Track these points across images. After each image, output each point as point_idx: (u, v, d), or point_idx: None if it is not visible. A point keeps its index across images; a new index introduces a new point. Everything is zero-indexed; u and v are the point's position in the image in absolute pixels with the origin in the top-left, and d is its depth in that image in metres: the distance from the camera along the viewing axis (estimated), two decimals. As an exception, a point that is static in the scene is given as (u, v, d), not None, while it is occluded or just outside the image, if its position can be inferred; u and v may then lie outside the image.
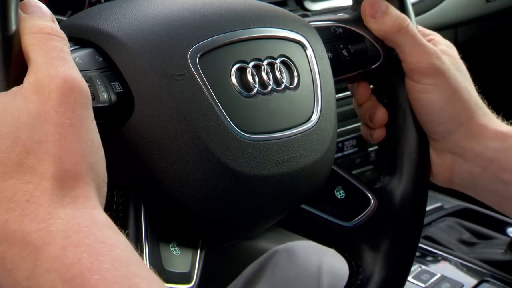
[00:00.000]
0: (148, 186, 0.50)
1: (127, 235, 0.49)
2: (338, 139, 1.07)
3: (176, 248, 0.52)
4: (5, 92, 0.39)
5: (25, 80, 0.40)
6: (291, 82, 0.55)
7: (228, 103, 0.51)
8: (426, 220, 1.07)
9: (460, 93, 0.62)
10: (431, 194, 1.18)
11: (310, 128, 0.55)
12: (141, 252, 0.50)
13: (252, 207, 0.54)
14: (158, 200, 0.51)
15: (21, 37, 0.42)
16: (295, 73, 0.55)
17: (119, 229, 0.49)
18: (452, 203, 1.14)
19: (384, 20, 0.62)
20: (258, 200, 0.54)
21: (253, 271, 0.78)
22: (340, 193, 0.62)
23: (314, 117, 0.56)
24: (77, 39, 0.50)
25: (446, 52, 0.64)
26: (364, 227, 0.62)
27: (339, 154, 1.08)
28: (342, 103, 1.05)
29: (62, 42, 0.42)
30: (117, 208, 0.51)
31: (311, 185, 0.58)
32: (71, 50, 0.47)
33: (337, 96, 1.02)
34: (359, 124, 1.10)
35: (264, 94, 0.53)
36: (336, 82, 0.60)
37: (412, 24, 0.63)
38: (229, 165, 0.50)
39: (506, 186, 0.62)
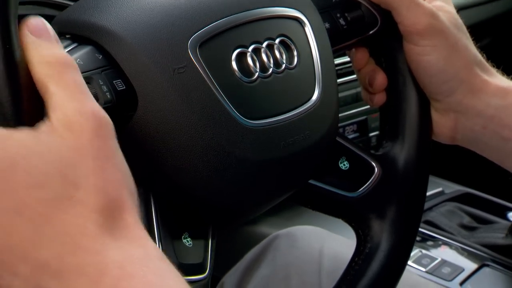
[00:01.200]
0: (156, 180, 0.50)
1: None
2: (340, 124, 1.07)
3: (188, 239, 0.52)
4: (36, 131, 0.39)
5: (52, 116, 0.39)
6: (291, 62, 0.55)
7: (230, 91, 0.51)
8: (427, 205, 1.07)
9: (459, 51, 0.62)
10: (432, 179, 1.18)
11: (312, 107, 0.55)
12: None
13: (261, 191, 0.54)
14: (167, 192, 0.51)
15: (32, 65, 0.40)
16: (295, 53, 0.55)
17: None
18: (453, 188, 1.15)
19: None
20: (266, 184, 0.54)
21: (254, 256, 0.78)
22: (344, 164, 0.62)
23: (316, 95, 0.56)
24: (75, 36, 0.49)
25: (442, 8, 0.63)
26: (369, 196, 0.62)
27: (340, 140, 1.08)
28: (343, 88, 1.05)
29: (77, 72, 0.41)
30: None
31: (317, 162, 0.58)
32: (70, 49, 0.48)
33: (339, 80, 1.03)
34: (360, 109, 1.11)
35: (265, 77, 0.53)
36: (334, 52, 0.59)
37: None
38: (235, 153, 0.50)
39: (506, 143, 0.63)
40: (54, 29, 0.50)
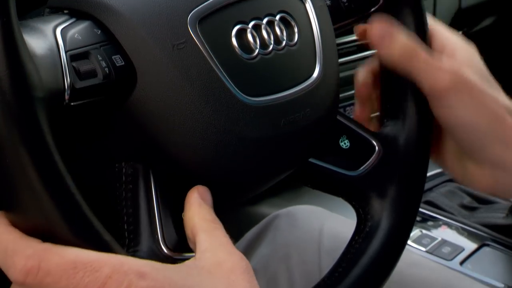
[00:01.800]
0: (156, 157, 0.50)
1: (139, 207, 0.50)
2: (340, 105, 1.07)
3: None
4: (186, 266, 0.44)
5: (201, 256, 0.44)
6: (291, 39, 0.54)
7: (230, 68, 0.50)
8: (427, 185, 1.07)
9: (487, 104, 0.59)
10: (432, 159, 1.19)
11: (313, 84, 0.55)
12: (154, 223, 0.50)
13: (261, 168, 0.54)
14: (166, 169, 0.51)
15: (194, 220, 0.47)
16: (295, 29, 0.55)
17: (129, 202, 0.50)
18: (454, 169, 1.14)
19: (393, 48, 0.59)
20: (266, 161, 0.54)
21: (254, 235, 0.78)
22: (345, 143, 0.62)
23: (317, 72, 0.55)
24: (73, 10, 0.49)
25: (465, 61, 0.61)
26: (370, 174, 0.61)
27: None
28: (344, 67, 1.04)
29: (223, 231, 0.47)
30: (126, 180, 0.51)
31: (318, 140, 0.58)
32: (68, 24, 0.47)
33: (339, 61, 1.02)
34: (361, 89, 1.10)
35: (265, 54, 0.52)
36: (335, 30, 0.59)
37: (422, 48, 0.60)
38: (235, 130, 0.50)
39: None
40: (52, 3, 0.50)
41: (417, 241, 0.93)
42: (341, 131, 0.62)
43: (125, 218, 0.50)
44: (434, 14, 1.17)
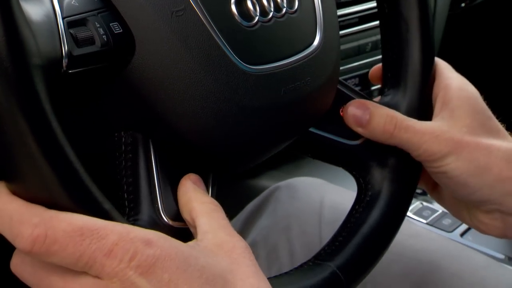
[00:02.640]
0: (155, 126, 0.50)
1: (138, 177, 0.49)
2: (341, 77, 1.06)
3: None
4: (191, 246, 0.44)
5: (203, 238, 0.45)
6: (291, 6, 0.54)
7: (230, 35, 0.50)
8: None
9: (487, 157, 0.57)
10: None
11: (313, 52, 0.54)
12: (154, 192, 0.49)
13: (261, 137, 0.54)
14: (166, 138, 0.50)
15: (192, 202, 0.48)
16: None
17: (129, 171, 0.50)
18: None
19: (372, 127, 0.58)
20: (266, 130, 0.53)
21: (255, 207, 0.78)
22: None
23: (317, 40, 0.55)
24: None
25: (463, 113, 0.58)
26: (370, 144, 0.61)
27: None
28: (345, 40, 1.04)
29: (223, 213, 0.48)
30: (126, 149, 0.50)
31: (319, 109, 0.58)
32: None
33: (340, 33, 1.01)
34: (362, 62, 1.10)
35: (265, 22, 0.52)
36: None
37: (403, 116, 0.58)
38: (235, 99, 0.50)
39: None
40: None
41: (418, 213, 0.93)
42: (342, 100, 0.61)
43: (125, 187, 0.50)
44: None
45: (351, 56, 1.07)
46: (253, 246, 0.75)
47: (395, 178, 0.61)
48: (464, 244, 0.84)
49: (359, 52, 1.07)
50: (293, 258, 0.71)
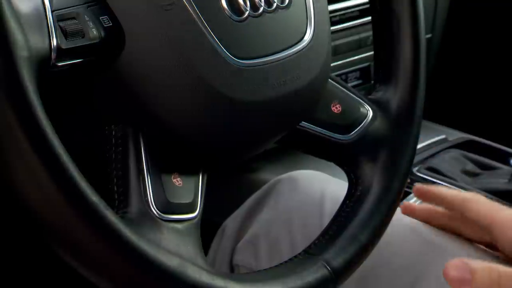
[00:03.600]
0: (145, 120, 0.50)
1: (128, 170, 0.49)
2: (342, 71, 1.06)
3: (178, 179, 0.51)
4: None
5: None
6: (283, 1, 0.54)
7: (220, 29, 0.50)
8: (430, 152, 1.07)
9: None
10: (435, 126, 1.18)
11: (304, 48, 0.55)
12: (144, 185, 0.49)
13: (251, 131, 0.54)
14: (156, 132, 0.50)
15: None
16: None
17: (119, 164, 0.49)
18: (456, 135, 1.14)
19: (477, 285, 0.56)
20: (257, 125, 0.54)
21: (256, 200, 0.78)
22: (336, 108, 0.62)
23: (308, 36, 0.55)
24: None
25: None
26: (361, 139, 0.62)
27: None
28: (346, 33, 1.03)
29: None
30: (116, 143, 0.50)
31: (309, 104, 0.58)
32: None
33: (341, 26, 1.01)
34: (363, 55, 1.09)
35: (255, 16, 0.52)
36: None
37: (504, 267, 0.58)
38: (225, 93, 0.50)
39: None
40: None
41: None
42: (333, 95, 0.62)
43: (115, 180, 0.50)
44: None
45: (352, 50, 1.06)
46: (255, 239, 0.75)
47: (385, 174, 0.62)
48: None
49: (360, 46, 1.06)
50: (295, 251, 0.71)
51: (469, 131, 1.16)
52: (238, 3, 0.51)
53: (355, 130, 0.62)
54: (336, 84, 0.62)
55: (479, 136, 1.13)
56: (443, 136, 1.13)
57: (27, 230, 0.44)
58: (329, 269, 0.56)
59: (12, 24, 0.41)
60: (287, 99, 0.54)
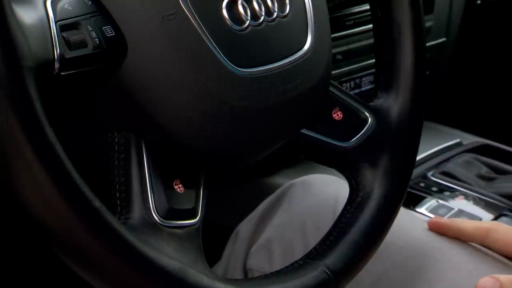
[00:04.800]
0: (147, 127, 0.51)
1: (131, 176, 0.50)
2: (355, 75, 1.06)
3: (180, 185, 0.52)
4: None
5: None
6: (283, 10, 0.55)
7: (221, 39, 0.51)
8: (444, 156, 1.06)
9: None
10: (450, 130, 1.18)
11: (304, 55, 0.55)
12: (145, 192, 0.50)
13: (252, 139, 0.55)
14: (158, 139, 0.51)
15: None
16: (287, 1, 0.55)
17: (122, 171, 0.49)
18: (471, 140, 1.13)
19: None
20: (257, 132, 0.54)
21: (269, 204, 0.78)
22: (337, 115, 0.62)
23: (308, 43, 0.56)
24: None
25: None
26: (362, 145, 0.62)
27: (357, 91, 1.06)
28: (359, 38, 1.03)
29: None
30: (119, 149, 0.51)
31: (310, 111, 0.58)
32: None
33: (353, 31, 1.01)
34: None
35: (256, 26, 0.53)
36: (330, 2, 0.59)
37: None
38: (226, 101, 0.51)
39: None
40: None
41: (434, 211, 0.92)
42: (334, 102, 0.62)
43: (118, 186, 0.50)
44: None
45: (365, 54, 1.06)
46: (269, 243, 0.75)
47: (386, 180, 0.62)
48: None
49: (373, 50, 1.06)
50: (308, 255, 0.71)
51: (484, 135, 1.15)
52: (239, 13, 0.52)
53: (356, 137, 0.62)
54: (337, 91, 0.62)
55: (494, 140, 1.13)
56: (457, 140, 1.12)
57: (30, 233, 0.44)
58: (329, 274, 0.57)
59: (17, 35, 0.41)
60: (288, 107, 0.55)
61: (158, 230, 0.49)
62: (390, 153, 0.62)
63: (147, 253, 0.45)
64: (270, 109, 0.53)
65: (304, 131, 0.60)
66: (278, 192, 0.78)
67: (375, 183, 0.62)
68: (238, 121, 0.52)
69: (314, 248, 0.60)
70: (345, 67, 1.01)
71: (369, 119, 0.63)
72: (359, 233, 0.60)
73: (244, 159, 0.58)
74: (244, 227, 0.79)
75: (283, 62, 0.54)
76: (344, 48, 0.99)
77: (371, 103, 0.65)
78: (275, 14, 0.54)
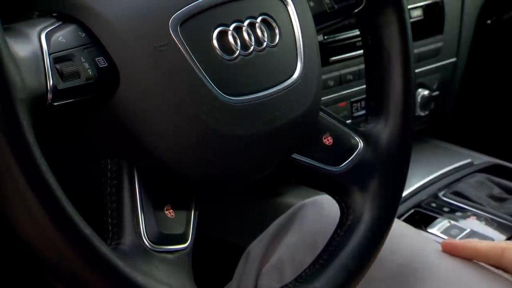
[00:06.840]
0: (139, 154, 0.52)
1: (122, 202, 0.51)
2: (356, 98, 1.06)
3: (171, 211, 0.53)
4: None
5: None
6: (272, 40, 0.56)
7: (211, 69, 0.52)
8: (456, 176, 1.06)
9: None
10: (461, 150, 1.17)
11: (294, 83, 0.56)
12: (137, 217, 0.51)
13: (243, 165, 0.56)
14: (150, 166, 0.52)
15: None
16: (277, 31, 0.56)
17: (114, 197, 0.50)
18: (482, 159, 1.13)
19: None
20: (248, 159, 0.55)
21: (281, 225, 0.78)
22: (328, 140, 0.63)
23: (297, 72, 0.57)
24: (60, 14, 0.50)
25: None
26: (352, 170, 0.63)
27: (359, 113, 1.06)
28: (360, 61, 1.03)
29: None
30: (111, 176, 0.52)
31: (300, 137, 0.60)
32: (54, 28, 0.49)
33: (354, 53, 1.01)
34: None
35: (246, 55, 0.54)
36: (319, 30, 0.61)
37: None
38: (217, 129, 0.52)
39: None
40: (40, 8, 0.51)
41: (446, 232, 0.92)
42: (324, 128, 0.63)
43: (109, 212, 0.51)
44: (462, 2, 1.15)
45: (359, 79, 1.06)
46: (280, 264, 0.74)
47: (376, 203, 0.63)
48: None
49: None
50: (320, 276, 0.71)
51: (495, 155, 1.15)
52: (229, 43, 0.53)
53: (346, 161, 0.64)
54: (327, 116, 0.64)
55: (506, 160, 1.12)
56: (468, 160, 1.12)
57: (23, 260, 0.45)
58: None
59: (10, 68, 0.43)
60: (278, 133, 0.56)
61: (149, 255, 0.50)
62: (380, 177, 0.64)
63: (136, 279, 0.46)
64: (260, 136, 0.55)
65: (294, 156, 0.61)
66: (289, 212, 0.78)
67: (365, 207, 0.63)
68: (229, 149, 0.53)
69: (304, 271, 0.60)
70: (336, 93, 1.01)
71: (359, 144, 0.64)
72: (348, 257, 0.61)
73: (234, 185, 0.59)
74: (256, 247, 0.79)
75: (273, 90, 0.55)
76: (336, 74, 0.99)
77: (361, 128, 0.66)
78: (265, 43, 0.55)
